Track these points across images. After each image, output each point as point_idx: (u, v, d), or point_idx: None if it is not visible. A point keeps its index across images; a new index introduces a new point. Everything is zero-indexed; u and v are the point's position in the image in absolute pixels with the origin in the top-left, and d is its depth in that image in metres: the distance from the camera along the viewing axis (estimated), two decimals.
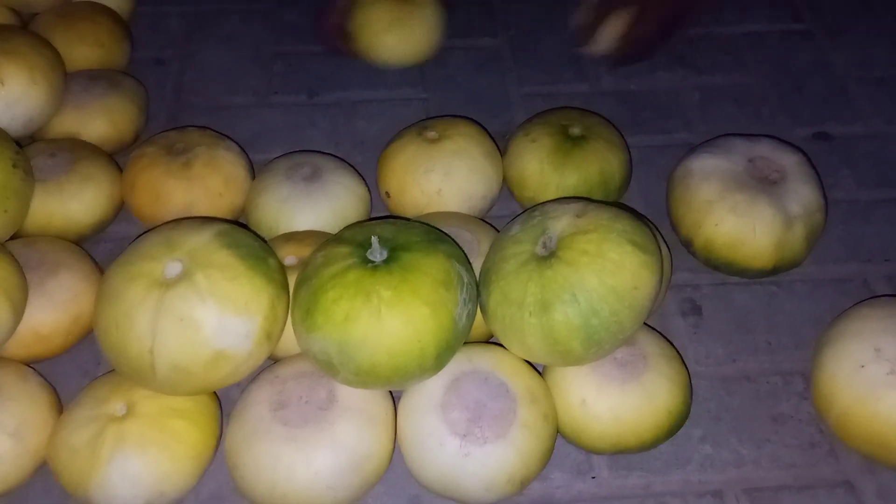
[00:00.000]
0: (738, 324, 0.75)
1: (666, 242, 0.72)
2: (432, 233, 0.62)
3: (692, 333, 0.74)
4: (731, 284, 0.77)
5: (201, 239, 0.59)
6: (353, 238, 0.61)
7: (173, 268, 0.57)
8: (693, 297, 0.77)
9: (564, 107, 0.83)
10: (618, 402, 0.60)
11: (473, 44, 1.03)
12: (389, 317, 0.55)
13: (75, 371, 0.69)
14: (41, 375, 0.65)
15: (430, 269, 0.57)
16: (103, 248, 0.78)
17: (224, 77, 0.97)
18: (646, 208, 0.83)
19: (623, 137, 0.82)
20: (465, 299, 0.59)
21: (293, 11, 1.07)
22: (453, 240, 0.64)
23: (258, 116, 0.91)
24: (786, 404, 0.69)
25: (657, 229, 0.73)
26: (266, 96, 0.93)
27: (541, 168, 0.76)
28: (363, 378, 0.57)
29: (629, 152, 0.82)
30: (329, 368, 0.58)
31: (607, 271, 0.57)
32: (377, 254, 0.58)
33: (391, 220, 0.65)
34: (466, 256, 0.63)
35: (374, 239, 0.58)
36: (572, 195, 0.75)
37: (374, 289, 0.56)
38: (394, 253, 0.58)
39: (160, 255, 0.58)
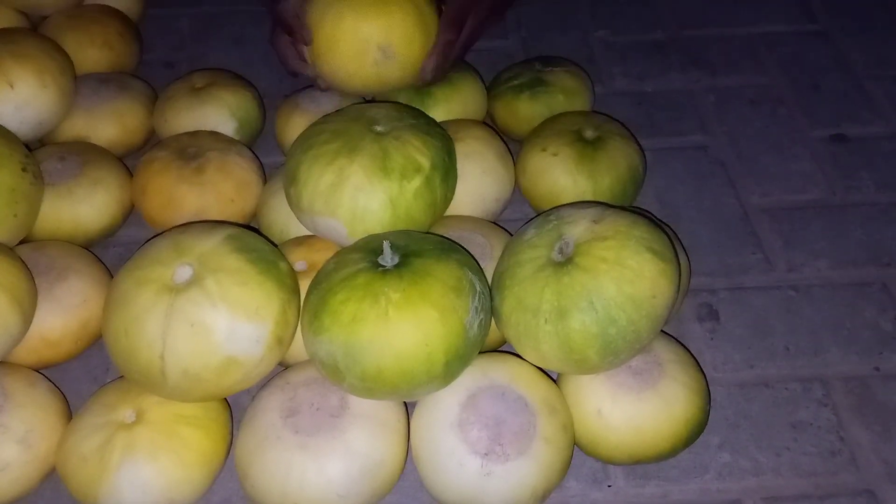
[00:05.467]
0: (755, 329, 0.73)
1: (683, 247, 0.71)
2: (446, 242, 0.61)
3: (709, 339, 0.73)
4: (749, 289, 0.76)
5: (211, 243, 0.58)
6: (365, 245, 0.60)
7: (183, 272, 0.56)
8: (710, 301, 0.75)
9: (565, 113, 0.82)
10: (634, 411, 0.59)
11: (486, 46, 1.01)
12: (397, 318, 0.54)
13: (84, 377, 0.69)
14: (50, 381, 0.64)
15: (441, 273, 0.57)
16: (113, 252, 0.78)
17: None
18: (661, 211, 0.82)
19: (630, 131, 0.81)
20: (476, 308, 0.57)
21: None
22: (468, 251, 0.63)
23: (268, 118, 0.90)
24: (805, 411, 0.68)
25: (674, 234, 0.71)
26: (276, 98, 0.92)
27: (573, 180, 0.74)
28: (369, 384, 0.56)
29: (636, 141, 0.81)
30: (335, 374, 0.57)
31: (626, 279, 0.55)
32: (388, 259, 0.57)
33: (405, 230, 0.64)
34: (480, 267, 0.62)
35: (385, 243, 0.57)
36: (608, 197, 0.75)
37: (382, 291, 0.55)
38: (405, 258, 0.58)
39: (170, 260, 0.57)
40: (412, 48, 0.72)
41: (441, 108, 0.81)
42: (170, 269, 0.56)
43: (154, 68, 0.97)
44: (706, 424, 0.64)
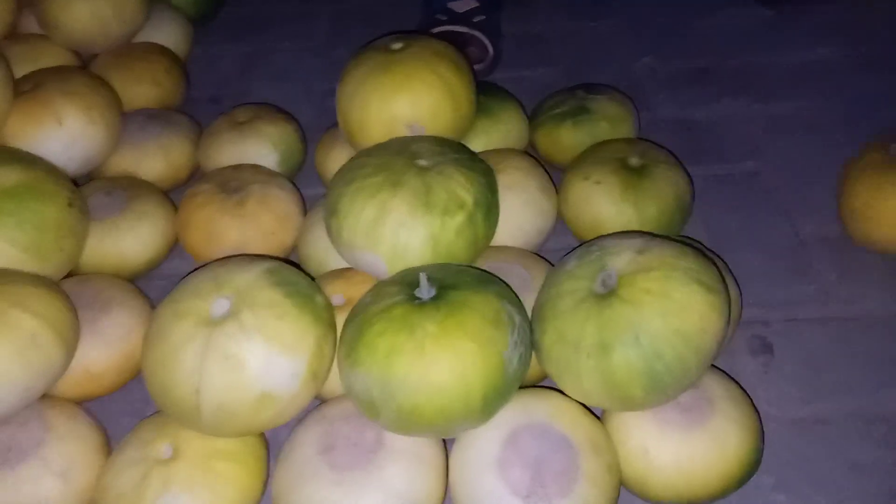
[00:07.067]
0: (811, 363, 0.70)
1: (734, 278, 0.68)
2: (483, 275, 0.60)
3: (762, 373, 0.70)
4: (804, 321, 0.73)
5: (249, 277, 0.58)
6: (402, 278, 0.59)
7: (221, 305, 0.56)
8: (763, 334, 0.72)
9: (608, 140, 0.80)
10: (683, 450, 0.57)
11: (528, 74, 1.01)
12: (434, 351, 0.53)
13: (126, 410, 0.69)
14: (92, 415, 0.65)
15: (478, 306, 0.55)
16: (156, 284, 0.79)
17: None
18: (710, 240, 0.80)
19: (677, 158, 0.79)
20: (516, 341, 0.56)
21: (343, 47, 1.08)
22: (507, 284, 0.61)
23: (309, 152, 0.90)
24: (865, 451, 0.64)
25: (724, 264, 0.69)
26: (317, 132, 0.92)
27: (617, 210, 0.72)
28: (405, 419, 0.55)
29: (683, 167, 0.79)
30: (371, 409, 0.56)
31: (672, 312, 0.53)
32: (425, 291, 0.56)
33: (443, 264, 0.63)
34: (520, 300, 0.60)
35: (421, 276, 0.56)
36: (654, 227, 0.73)
37: (419, 323, 0.54)
38: (442, 291, 0.57)
39: (208, 293, 0.57)
40: (440, 120, 0.72)
41: (482, 139, 0.81)
42: (207, 302, 0.56)
43: (200, 104, 0.99)
44: (759, 464, 0.61)
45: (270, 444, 0.65)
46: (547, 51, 1.04)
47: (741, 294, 0.69)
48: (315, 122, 0.96)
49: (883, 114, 0.92)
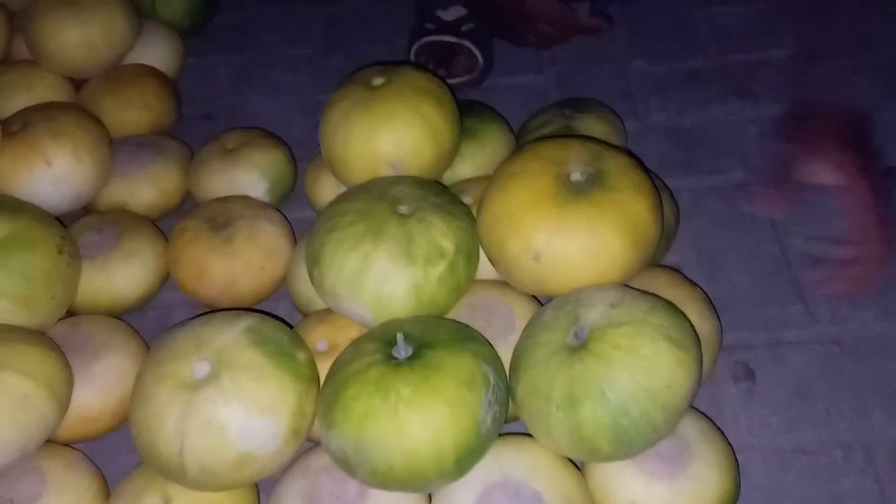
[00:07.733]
0: (795, 389, 0.70)
1: (715, 308, 0.69)
2: (462, 331, 0.61)
3: (744, 401, 0.70)
4: (788, 344, 0.73)
5: (229, 337, 0.59)
6: (381, 334, 0.61)
7: (201, 368, 0.58)
8: (746, 359, 0.73)
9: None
10: (671, 500, 0.57)
11: (519, 82, 1.00)
12: (407, 416, 0.54)
13: (124, 448, 0.70)
14: (89, 459, 0.67)
15: (453, 368, 0.56)
16: (151, 316, 0.80)
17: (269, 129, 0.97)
18: (697, 259, 0.80)
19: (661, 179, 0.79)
20: (490, 401, 0.57)
21: (339, 55, 1.07)
22: (485, 338, 0.62)
23: (302, 169, 0.90)
24: (846, 481, 0.65)
25: (706, 294, 0.69)
26: (310, 148, 0.92)
27: None
28: (380, 479, 0.56)
29: (669, 191, 0.78)
30: (347, 467, 0.57)
31: (640, 369, 0.54)
32: (401, 351, 0.57)
33: (424, 316, 0.64)
34: (497, 355, 0.61)
35: (398, 336, 0.57)
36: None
37: (393, 386, 0.55)
38: (419, 350, 0.58)
39: (188, 354, 0.59)
40: (421, 159, 0.72)
41: (468, 164, 0.81)
42: (188, 365, 0.58)
43: (193, 122, 0.99)
44: (738, 497, 0.62)
45: (261, 483, 0.66)
46: (538, 57, 1.03)
47: (721, 323, 0.69)
48: (309, 135, 0.95)
49: (885, 116, 0.90)
